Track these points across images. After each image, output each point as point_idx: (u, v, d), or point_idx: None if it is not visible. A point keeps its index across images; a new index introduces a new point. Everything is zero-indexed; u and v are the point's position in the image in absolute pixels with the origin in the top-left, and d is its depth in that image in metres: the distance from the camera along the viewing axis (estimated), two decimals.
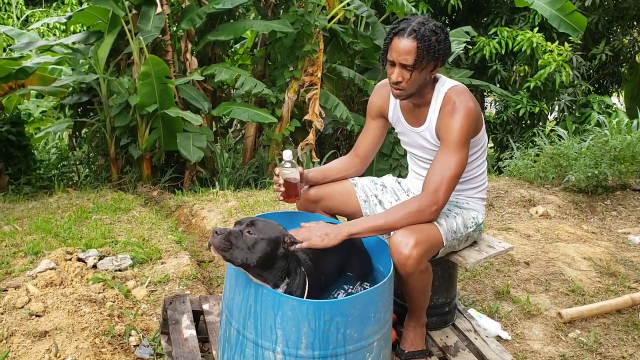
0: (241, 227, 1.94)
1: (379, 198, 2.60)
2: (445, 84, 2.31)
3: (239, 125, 8.68)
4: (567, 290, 3.40)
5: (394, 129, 2.58)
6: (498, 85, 9.04)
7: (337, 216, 2.65)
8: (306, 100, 6.88)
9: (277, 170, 2.32)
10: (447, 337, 2.63)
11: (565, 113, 8.75)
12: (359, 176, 2.68)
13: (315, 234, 2.10)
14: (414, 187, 2.62)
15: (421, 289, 2.28)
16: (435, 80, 2.33)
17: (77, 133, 7.39)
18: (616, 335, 3.00)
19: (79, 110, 7.19)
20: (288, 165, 2.30)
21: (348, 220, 2.72)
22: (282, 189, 2.33)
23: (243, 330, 1.99)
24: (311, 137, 6.98)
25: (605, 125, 7.01)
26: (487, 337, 2.64)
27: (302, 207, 2.58)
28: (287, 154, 2.31)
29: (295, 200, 2.42)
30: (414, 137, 2.45)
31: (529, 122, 9.00)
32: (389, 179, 2.71)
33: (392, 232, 2.21)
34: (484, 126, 2.37)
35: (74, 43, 6.58)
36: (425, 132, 2.37)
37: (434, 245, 2.24)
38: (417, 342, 2.43)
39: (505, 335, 2.89)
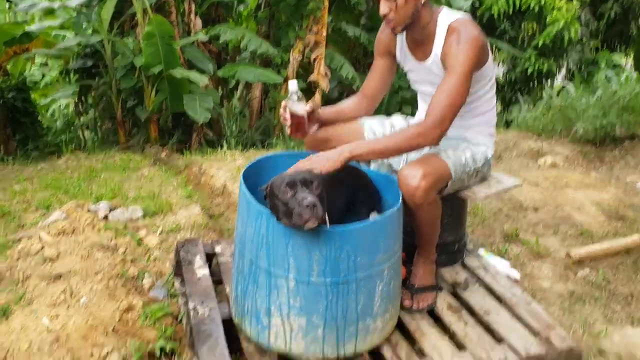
0: (311, 190, 1.91)
1: None
2: (449, 16, 2.28)
3: (244, 91, 8.65)
4: (576, 233, 3.41)
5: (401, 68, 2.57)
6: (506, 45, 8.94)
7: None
8: (311, 60, 6.83)
9: (283, 102, 2.31)
10: (457, 273, 2.65)
11: (573, 68, 8.65)
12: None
13: (317, 161, 2.10)
14: None
15: (430, 221, 2.29)
16: (438, 12, 2.31)
17: (83, 98, 7.39)
18: (625, 274, 3.02)
19: (84, 75, 7.17)
20: (294, 97, 2.26)
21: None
22: (289, 122, 2.31)
23: (256, 260, 2.01)
24: (317, 98, 6.95)
25: (614, 80, 6.94)
26: (496, 273, 2.66)
27: (311, 147, 2.58)
28: (293, 85, 2.27)
29: (302, 137, 2.39)
30: (422, 73, 2.44)
31: (537, 81, 8.92)
32: (398, 118, 2.69)
33: (400, 166, 2.21)
34: (490, 58, 2.35)
35: (76, 6, 6.53)
36: (432, 65, 2.35)
37: (442, 177, 2.25)
38: (427, 277, 2.45)
39: (514, 274, 2.91)
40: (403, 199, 2.15)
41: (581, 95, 5.58)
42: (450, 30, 2.24)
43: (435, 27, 2.30)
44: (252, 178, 2.28)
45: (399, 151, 2.17)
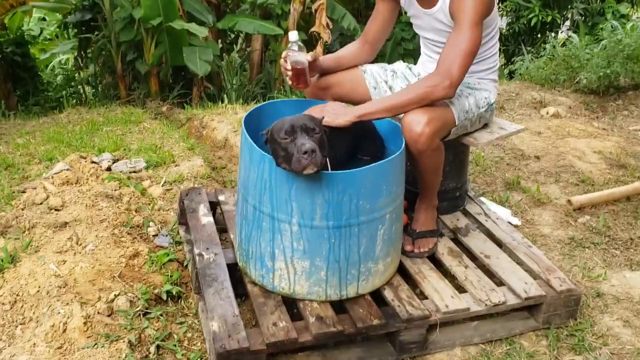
0: (311, 136, 1.91)
1: (389, 84, 2.58)
2: None
3: (244, 44, 8.54)
4: (577, 181, 3.43)
5: (405, 12, 2.53)
6: None
7: (346, 104, 2.64)
8: (312, 11, 6.72)
9: (284, 53, 2.29)
10: (457, 219, 2.68)
11: (578, 18, 8.50)
12: (370, 63, 2.65)
13: (327, 112, 2.12)
14: (426, 71, 2.59)
15: (433, 168, 2.30)
16: None
17: (82, 52, 7.32)
18: (625, 220, 3.05)
19: (83, 29, 7.09)
20: (295, 47, 2.25)
21: None
22: (290, 73, 2.30)
23: (259, 205, 2.04)
24: (319, 50, 6.87)
25: (619, 30, 6.83)
26: (497, 219, 2.68)
27: (312, 95, 2.57)
28: (293, 35, 2.25)
29: (304, 87, 2.38)
30: (427, 20, 2.40)
31: (540, 34, 8.78)
32: (400, 65, 2.68)
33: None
34: (496, 6, 2.32)
35: None
36: (438, 13, 2.31)
37: (446, 123, 2.24)
38: (429, 222, 2.47)
39: (515, 221, 2.94)
40: (406, 146, 2.15)
41: (585, 45, 5.51)
42: None
43: None
44: (254, 124, 2.28)
45: (408, 107, 2.14)
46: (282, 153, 1.91)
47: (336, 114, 2.13)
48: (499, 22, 2.40)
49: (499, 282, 2.30)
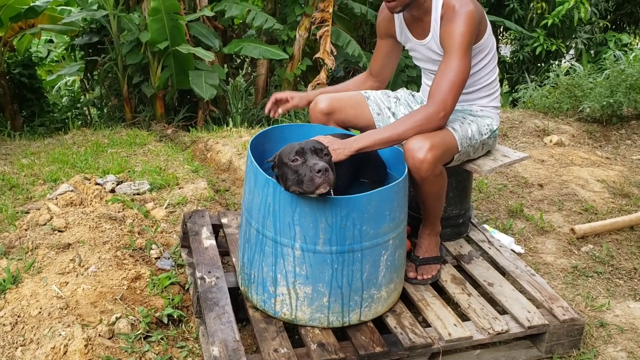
0: (321, 157, 1.95)
1: (392, 110, 2.60)
2: None
3: (249, 68, 8.62)
4: (580, 210, 3.42)
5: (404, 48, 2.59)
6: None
7: (350, 129, 2.66)
8: (317, 37, 6.80)
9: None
10: (461, 247, 2.67)
11: (581, 47, 8.57)
12: None
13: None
14: None
15: (436, 194, 2.30)
16: None
17: (88, 75, 7.40)
18: (628, 250, 3.04)
19: (90, 51, 7.17)
20: None
21: (361, 133, 2.73)
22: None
23: (262, 229, 2.04)
24: (322, 76, 6.93)
25: (622, 60, 6.88)
26: (500, 246, 2.68)
27: (315, 120, 2.59)
28: None
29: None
30: (423, 51, 2.44)
31: (544, 63, 8.85)
32: (403, 92, 2.70)
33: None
34: (489, 29, 2.35)
35: None
36: (431, 43, 2.36)
37: (449, 150, 2.25)
38: (432, 249, 2.47)
39: (518, 249, 2.93)
40: (409, 172, 2.16)
41: (589, 74, 5.55)
42: (445, 6, 2.24)
43: (431, 2, 2.29)
44: (259, 148, 2.30)
45: (404, 138, 2.17)
46: (293, 175, 1.91)
47: (334, 150, 2.13)
48: (494, 47, 2.42)
49: (502, 311, 2.29)
